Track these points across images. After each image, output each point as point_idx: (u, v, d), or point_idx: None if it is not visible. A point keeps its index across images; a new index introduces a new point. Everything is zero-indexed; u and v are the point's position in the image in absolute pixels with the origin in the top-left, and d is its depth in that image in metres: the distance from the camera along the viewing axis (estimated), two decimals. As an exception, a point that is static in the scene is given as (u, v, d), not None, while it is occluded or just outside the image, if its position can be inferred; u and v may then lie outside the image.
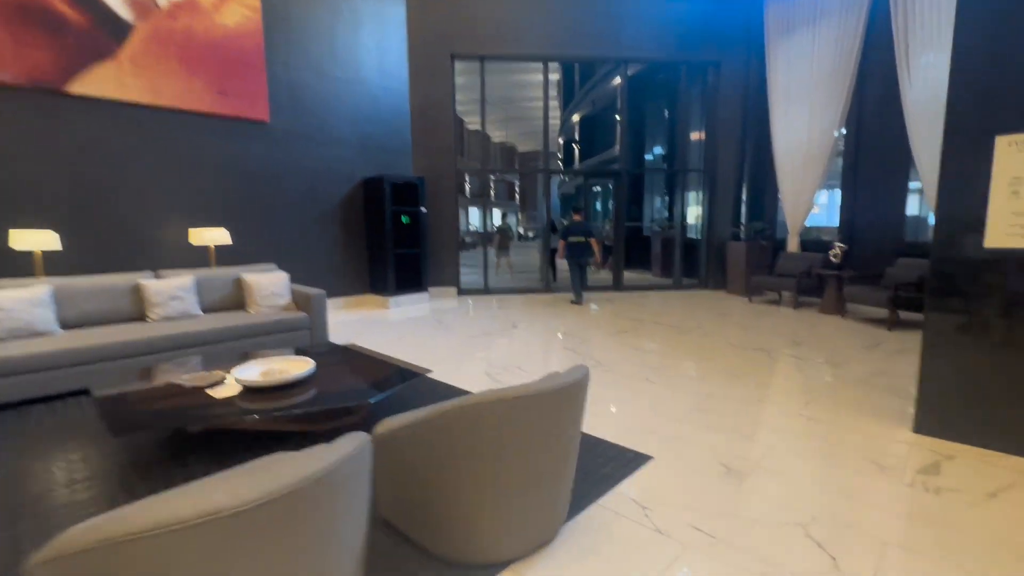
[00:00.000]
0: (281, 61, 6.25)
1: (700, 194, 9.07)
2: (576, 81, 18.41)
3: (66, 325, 3.87)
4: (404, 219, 7.22)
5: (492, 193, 35.90)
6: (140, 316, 4.21)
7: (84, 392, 3.41)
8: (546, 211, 8.81)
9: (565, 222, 8.12)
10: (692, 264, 9.26)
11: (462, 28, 7.72)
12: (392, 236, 7.03)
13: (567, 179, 22.30)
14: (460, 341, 5.06)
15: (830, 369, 3.98)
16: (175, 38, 5.28)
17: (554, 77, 21.08)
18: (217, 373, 2.91)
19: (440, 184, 7.97)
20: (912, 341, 4.87)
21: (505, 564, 1.77)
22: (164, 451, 2.63)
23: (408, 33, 7.63)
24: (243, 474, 1.14)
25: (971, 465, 2.42)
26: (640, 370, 4.00)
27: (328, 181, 6.90)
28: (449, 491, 1.73)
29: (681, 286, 8.88)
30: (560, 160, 24.88)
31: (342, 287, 7.17)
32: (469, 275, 9.23)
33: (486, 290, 8.43)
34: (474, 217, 32.96)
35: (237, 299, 4.72)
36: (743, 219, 8.42)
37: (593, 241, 7.26)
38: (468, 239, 23.41)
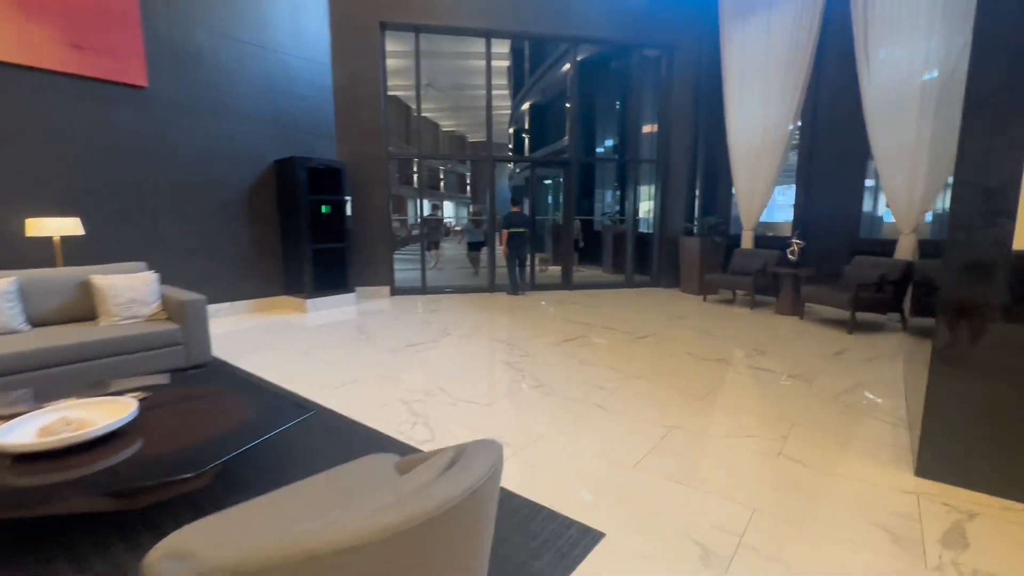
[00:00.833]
0: (163, 15, 5.13)
1: (652, 187, 8.62)
2: (526, 69, 17.73)
3: None
4: (324, 209, 6.26)
5: (442, 185, 34.76)
6: (-72, 334, 3.14)
7: None
8: (488, 201, 8.07)
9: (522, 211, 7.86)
10: (644, 260, 8.81)
11: (392, -8, 6.81)
12: (309, 229, 6.07)
13: (518, 170, 21.62)
14: (378, 355, 4.25)
15: (801, 386, 3.49)
16: (4, -29, 4.11)
17: (503, 64, 20.29)
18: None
19: (369, 171, 7.05)
20: (876, 346, 4.51)
21: None
22: None
23: (328, -6, 6.64)
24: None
25: (1001, 528, 1.91)
26: (588, 392, 3.35)
27: (231, 163, 5.84)
28: None
29: (633, 283, 8.40)
30: (510, 150, 24.17)
31: (251, 288, 6.15)
32: (413, 272, 8.38)
33: (423, 289, 7.60)
34: (427, 210, 31.71)
35: (84, 308, 3.68)
36: (696, 213, 8.02)
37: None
38: (415, 232, 22.54)
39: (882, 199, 6.41)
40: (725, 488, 2.18)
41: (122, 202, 4.96)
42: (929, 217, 5.28)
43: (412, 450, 2.45)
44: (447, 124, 30.94)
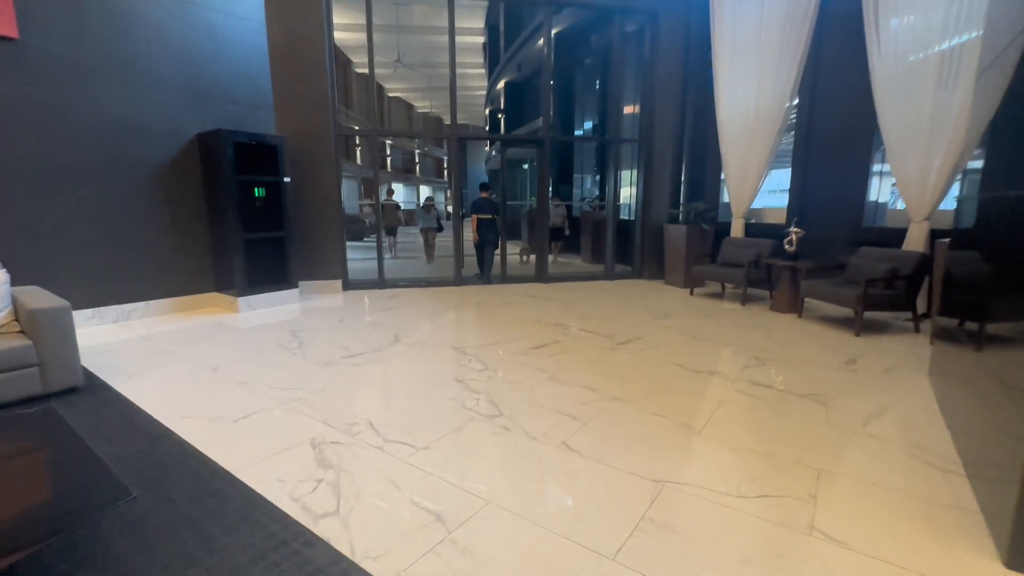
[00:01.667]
0: (39, -51, 4.16)
1: (635, 171, 7.92)
2: (502, 46, 16.73)
3: None
4: (257, 192, 5.38)
5: (417, 169, 33.58)
6: None
7: None
8: (453, 184, 7.25)
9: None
10: (626, 249, 8.14)
11: (337, -61, 5.88)
12: (239, 215, 5.20)
13: (494, 153, 20.68)
14: (305, 370, 3.47)
15: (817, 411, 2.85)
16: None
17: (478, 40, 19.22)
18: None
19: (314, 148, 6.17)
20: (891, 352, 3.92)
21: None
22: None
23: (260, -61, 5.67)
24: None
25: None
26: (556, 424, 2.65)
27: (141, 137, 4.91)
28: None
29: (614, 275, 7.73)
30: (487, 132, 23.22)
31: (174, 284, 5.26)
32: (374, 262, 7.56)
33: (381, 283, 6.80)
34: (400, 195, 30.58)
35: (-100, 320, 2.82)
36: (682, 199, 7.36)
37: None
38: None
39: (887, 184, 5.83)
40: (744, 595, 1.50)
41: (-18, 182, 4.03)
42: (949, 203, 4.70)
43: (296, 534, 1.71)
44: (421, 105, 29.68)
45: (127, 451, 2.31)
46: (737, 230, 6.71)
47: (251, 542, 1.67)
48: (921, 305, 4.71)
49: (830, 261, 5.47)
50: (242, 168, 5.19)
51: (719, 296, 6.39)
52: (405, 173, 32.11)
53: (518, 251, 10.61)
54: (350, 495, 1.98)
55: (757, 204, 6.96)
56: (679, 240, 6.90)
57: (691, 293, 6.43)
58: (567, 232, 10.07)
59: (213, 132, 5.09)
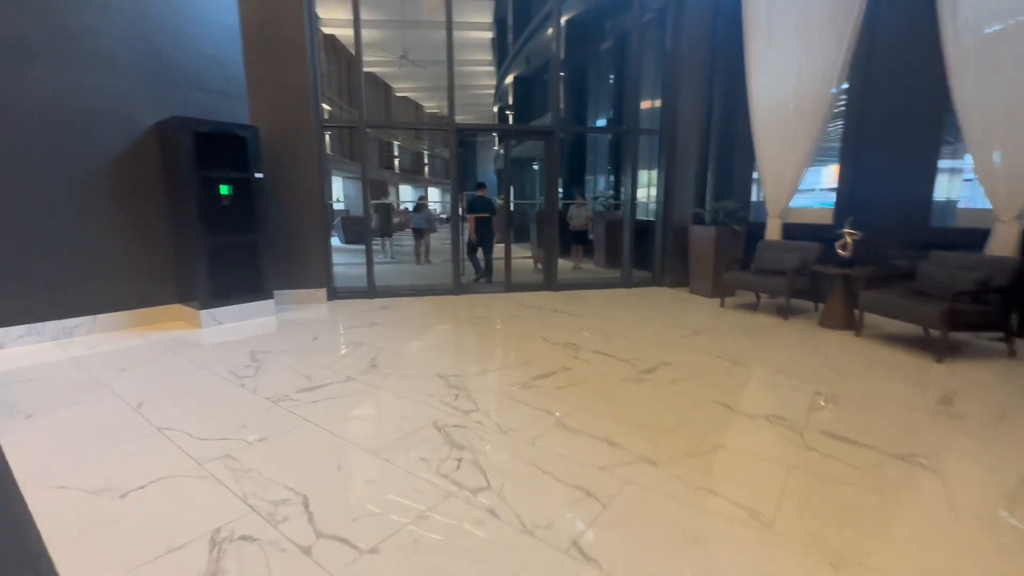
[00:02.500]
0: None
1: (652, 170, 7.13)
2: (510, 41, 16.03)
3: None
4: (223, 190, 4.70)
5: (427, 170, 33.04)
6: None
7: None
8: (452, 181, 6.52)
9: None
10: (645, 253, 7.35)
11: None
12: (202, 216, 4.52)
13: (501, 151, 19.95)
14: (247, 411, 2.76)
15: (930, 484, 2.06)
16: None
17: (485, 36, 18.54)
18: None
19: (294, 141, 5.49)
20: (991, 389, 3.09)
21: None
22: None
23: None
24: None
25: None
26: (566, 504, 1.89)
27: (87, 127, 4.26)
28: None
29: (631, 282, 6.93)
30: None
31: (130, 296, 4.61)
32: (377, 266, 6.88)
33: (371, 291, 6.09)
34: (408, 196, 30.08)
35: None
36: (709, 196, 6.55)
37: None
38: (396, 220, 21.27)
39: (957, 179, 4.97)
40: None
41: None
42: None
43: None
44: (430, 105, 29.10)
45: (-58, 553, 1.60)
46: (773, 232, 5.89)
47: None
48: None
49: (891, 268, 4.64)
50: (206, 162, 4.52)
51: (753, 307, 5.58)
52: (413, 174, 31.57)
53: (529, 256, 9.84)
54: (233, 657, 1.24)
55: (801, 203, 6.13)
56: (706, 243, 6.09)
57: (722, 304, 5.62)
58: (591, 236, 9.19)
59: (170, 120, 4.43)
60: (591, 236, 9.16)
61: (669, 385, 3.14)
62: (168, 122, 4.46)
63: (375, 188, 25.77)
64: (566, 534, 1.71)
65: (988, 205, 4.13)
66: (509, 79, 15.85)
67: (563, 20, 9.72)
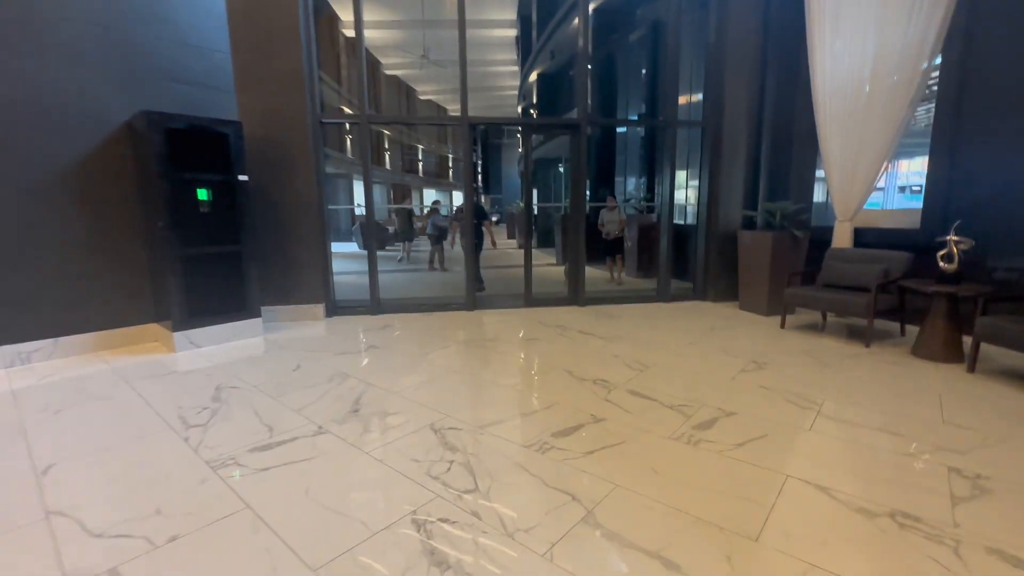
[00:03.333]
0: None
1: (689, 170, 6.28)
2: (534, 37, 15.31)
3: None
4: (202, 195, 4.12)
5: (450, 173, 32.63)
6: None
7: None
8: (464, 182, 5.83)
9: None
10: (683, 261, 6.50)
11: None
12: (174, 224, 3.95)
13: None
14: (171, 485, 2.10)
15: None
16: None
17: (510, 34, 17.89)
18: None
19: (287, 139, 4.90)
20: None
21: None
22: None
23: None
24: None
25: None
26: None
27: (45, 124, 3.74)
28: None
29: (669, 295, 6.07)
30: (518, 130, 21.86)
31: (98, 315, 4.07)
32: (389, 274, 6.27)
33: (375, 307, 5.43)
34: (431, 200, 29.68)
35: None
36: (761, 197, 5.66)
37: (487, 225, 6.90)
38: (418, 225, 21.04)
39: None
40: None
41: None
42: None
43: None
44: (454, 108, 28.65)
45: None
46: (842, 238, 4.97)
47: None
48: None
49: (1002, 285, 3.69)
50: (180, 163, 3.95)
51: (818, 328, 4.68)
52: (437, 178, 31.21)
53: (553, 262, 9.08)
54: None
55: (873, 203, 5.18)
56: (761, 251, 5.21)
57: (782, 325, 4.73)
58: (628, 243, 8.11)
59: (138, 116, 3.87)
60: (628, 243, 8.20)
61: (737, 449, 2.34)
62: (137, 118, 3.90)
63: (398, 192, 25.42)
64: None
65: None
66: (533, 76, 15.15)
67: (591, 8, 8.97)
